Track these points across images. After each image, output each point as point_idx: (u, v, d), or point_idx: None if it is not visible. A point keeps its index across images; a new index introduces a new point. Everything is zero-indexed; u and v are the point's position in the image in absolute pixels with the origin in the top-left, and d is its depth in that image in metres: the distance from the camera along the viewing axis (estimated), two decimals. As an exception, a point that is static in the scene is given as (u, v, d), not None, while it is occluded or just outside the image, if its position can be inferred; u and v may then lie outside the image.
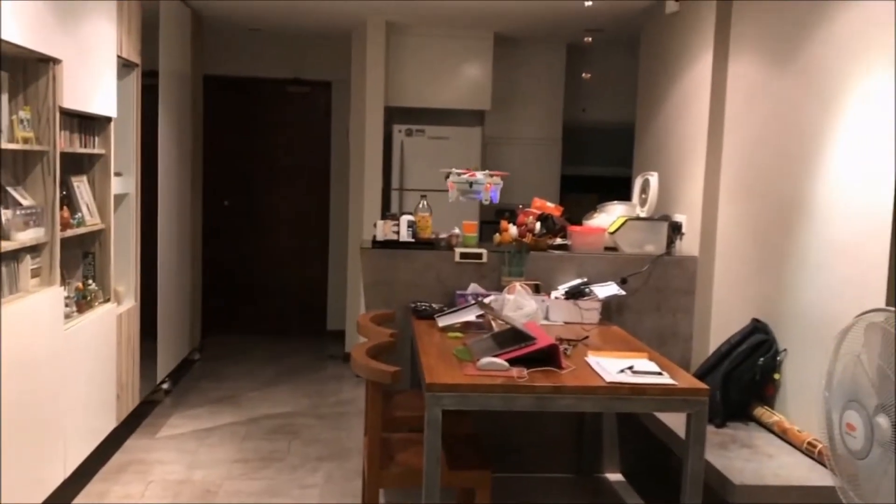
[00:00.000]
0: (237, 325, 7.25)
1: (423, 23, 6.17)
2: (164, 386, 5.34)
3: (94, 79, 3.91)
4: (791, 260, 3.50)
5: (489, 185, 4.27)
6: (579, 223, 4.57)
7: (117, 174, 4.39)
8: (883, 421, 1.90)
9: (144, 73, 4.73)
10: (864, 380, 1.98)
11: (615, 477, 4.29)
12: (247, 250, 7.29)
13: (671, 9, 4.70)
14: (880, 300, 2.82)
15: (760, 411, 3.50)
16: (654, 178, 4.42)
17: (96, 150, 4.13)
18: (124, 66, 4.45)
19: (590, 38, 6.27)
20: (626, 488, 4.17)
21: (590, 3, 4.31)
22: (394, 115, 6.47)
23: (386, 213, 5.83)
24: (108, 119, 4.21)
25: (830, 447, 2.23)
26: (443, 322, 3.61)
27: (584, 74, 6.92)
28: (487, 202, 4.21)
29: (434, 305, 3.88)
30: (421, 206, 4.26)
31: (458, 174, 4.31)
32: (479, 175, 4.30)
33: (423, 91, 6.34)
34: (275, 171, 7.27)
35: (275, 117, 7.24)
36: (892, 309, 1.98)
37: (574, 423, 4.28)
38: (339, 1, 5.47)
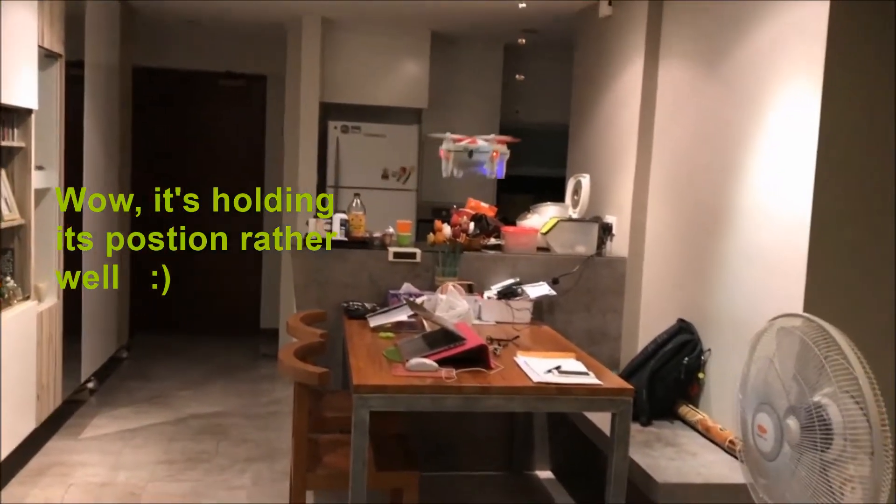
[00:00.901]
0: (168, 322, 7.09)
1: (359, 20, 6.13)
2: (90, 385, 5.20)
3: (11, 69, 3.77)
4: (715, 262, 3.58)
5: (495, 154, 3.80)
6: (514, 223, 4.60)
7: (39, 168, 4.24)
8: (792, 423, 1.96)
9: (71, 65, 4.59)
10: (776, 383, 2.04)
11: (545, 474, 4.34)
12: (178, 246, 7.14)
13: (604, 12, 4.76)
14: (798, 304, 2.91)
15: (685, 410, 3.58)
16: (585, 180, 4.47)
17: (15, 143, 3.99)
18: (46, 56, 4.30)
19: (523, 40, 6.32)
20: (556, 486, 4.22)
21: (523, 4, 4.33)
22: (329, 112, 6.41)
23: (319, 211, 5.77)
24: (29, 111, 4.07)
25: (745, 448, 2.29)
26: (374, 322, 3.59)
27: (517, 76, 6.97)
28: (493, 176, 3.90)
29: (366, 305, 3.87)
30: (354, 204, 4.22)
31: (454, 140, 3.85)
32: (482, 141, 3.82)
33: (359, 88, 6.30)
34: (207, 165, 7.13)
35: (208, 111, 7.10)
36: (803, 314, 2.05)
37: (506, 421, 4.31)
38: (274, -5, 5.39)
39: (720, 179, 3.57)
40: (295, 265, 4.05)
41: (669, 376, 3.62)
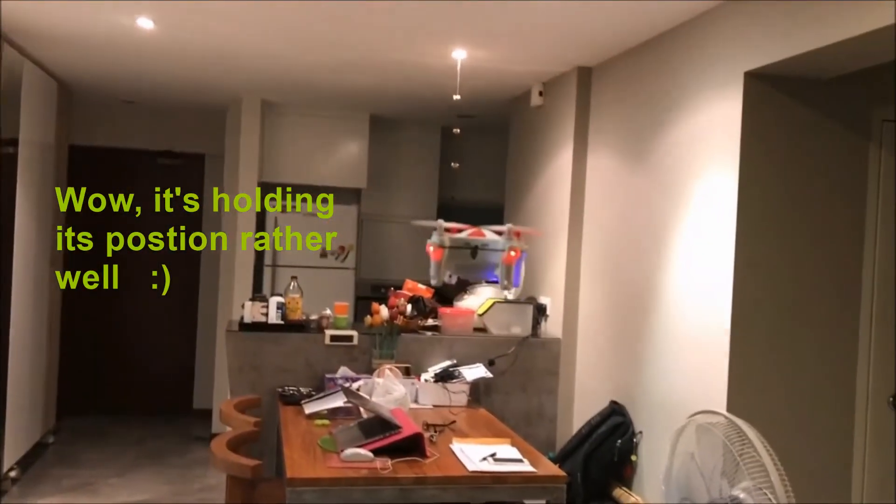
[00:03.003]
0: (97, 404, 6.88)
1: (298, 102, 6.24)
2: (12, 474, 4.99)
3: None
4: (643, 344, 3.69)
5: (514, 254, 2.86)
6: (452, 304, 4.66)
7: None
8: (713, 518, 2.03)
9: (6, 142, 4.55)
10: (696, 477, 2.11)
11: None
12: (111, 327, 6.99)
13: (536, 102, 4.96)
14: (723, 387, 3.01)
15: (619, 492, 3.63)
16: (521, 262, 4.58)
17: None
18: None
19: (458, 130, 6.53)
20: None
21: (458, 97, 4.49)
22: (268, 191, 6.45)
23: (255, 293, 5.74)
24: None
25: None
26: (309, 409, 3.57)
27: (453, 164, 7.15)
28: (508, 289, 2.82)
29: (302, 390, 3.85)
30: (291, 287, 4.23)
31: (449, 231, 2.95)
32: (491, 234, 2.92)
33: (298, 168, 6.37)
34: (142, 244, 7.04)
35: (145, 189, 7.05)
36: (719, 412, 2.13)
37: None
38: (214, 78, 5.47)
39: (646, 264, 3.70)
40: (229, 348, 4.02)
41: (603, 459, 3.68)
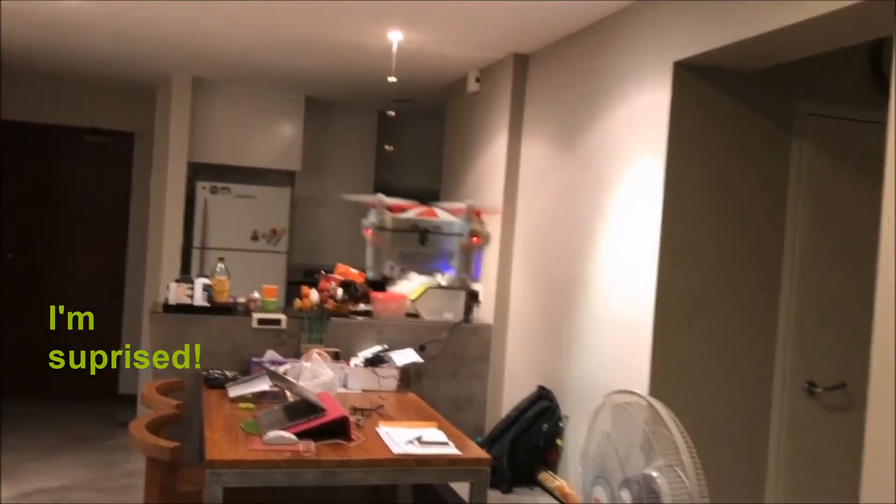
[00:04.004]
0: (18, 387, 6.64)
1: (231, 81, 6.11)
2: (-79, 460, 4.79)
3: None
4: (570, 330, 3.73)
5: (475, 240, 2.33)
6: (385, 289, 4.62)
7: None
8: (625, 495, 2.06)
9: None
10: (612, 456, 2.14)
11: (410, 544, 4.30)
12: (32, 308, 6.75)
13: (472, 88, 4.95)
14: (645, 372, 3.06)
15: (544, 476, 3.66)
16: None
17: None
18: None
19: (393, 112, 6.48)
20: (420, 556, 4.18)
21: (393, 79, 4.45)
22: (198, 172, 6.31)
23: (182, 274, 5.62)
24: None
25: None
26: (234, 392, 3.50)
27: (387, 147, 7.10)
28: (468, 282, 2.25)
29: (227, 373, 3.77)
30: (218, 269, 4.15)
31: (392, 209, 2.24)
32: (444, 214, 2.32)
33: (230, 148, 6.24)
34: (68, 224, 6.83)
35: (71, 167, 6.83)
36: (634, 391, 2.16)
37: (370, 493, 4.26)
38: (144, 54, 5.31)
39: (575, 251, 3.74)
40: (152, 330, 3.92)
41: (530, 443, 3.70)
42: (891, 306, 2.03)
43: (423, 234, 2.31)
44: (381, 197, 2.44)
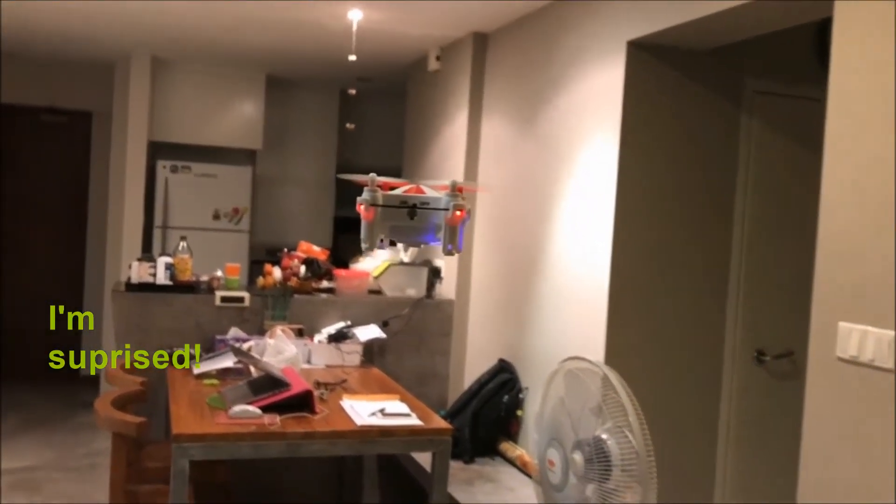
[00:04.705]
0: (-25, 371, 6.58)
1: (191, 59, 6.06)
2: None
3: None
4: (530, 304, 3.82)
5: (459, 214, 2.56)
6: (348, 266, 4.67)
7: None
8: (577, 457, 2.15)
9: None
10: (565, 421, 2.23)
11: (375, 516, 4.39)
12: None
13: (433, 66, 4.99)
14: (601, 343, 3.16)
15: (506, 446, 3.76)
16: (415, 225, 4.62)
17: None
18: None
19: (354, 91, 6.50)
20: (385, 527, 4.28)
21: (353, 57, 4.47)
22: (159, 151, 6.27)
23: (144, 253, 5.60)
24: None
25: (542, 481, 2.47)
26: (198, 369, 3.54)
27: (347, 125, 7.12)
28: (451, 253, 2.65)
29: (192, 351, 3.80)
30: (180, 247, 4.16)
31: (383, 187, 2.54)
32: (430, 191, 2.62)
33: (190, 127, 6.21)
34: (26, 204, 6.74)
35: (28, 147, 6.73)
36: (586, 358, 2.26)
37: (335, 466, 4.34)
38: (101, 30, 5.25)
39: (534, 227, 3.82)
40: (114, 309, 3.93)
41: (491, 415, 3.80)
42: (829, 273, 2.14)
43: (411, 209, 2.55)
44: (374, 176, 2.68)
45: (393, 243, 2.79)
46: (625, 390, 2.04)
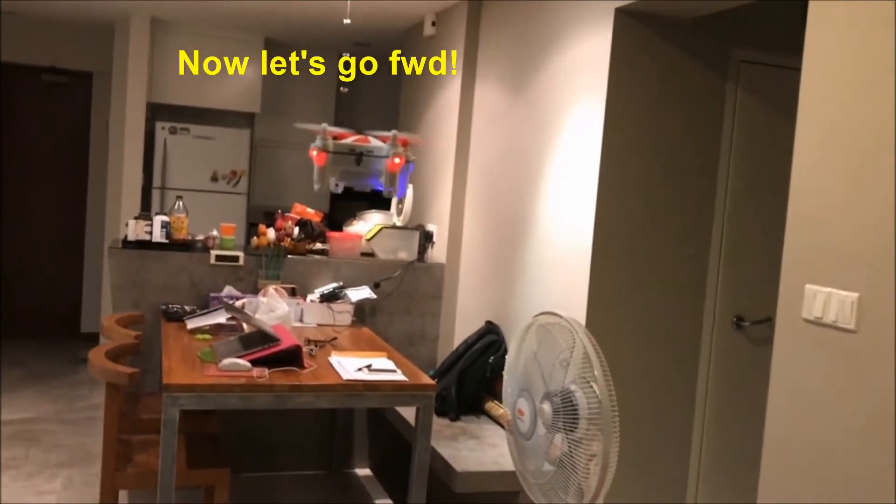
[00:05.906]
0: (-23, 327, 6.71)
1: (190, 20, 6.09)
2: None
3: None
4: (517, 268, 3.90)
5: (399, 161, 2.83)
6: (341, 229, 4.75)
7: None
8: (546, 407, 2.24)
9: None
10: (536, 372, 2.31)
11: (364, 472, 4.52)
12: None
13: (428, 32, 5.02)
14: (583, 308, 3.25)
15: (490, 405, 3.86)
16: (409, 190, 4.69)
17: None
18: None
19: (345, 89, 6.54)
20: (373, 482, 4.40)
21: (348, 21, 4.50)
22: (158, 112, 6.32)
23: (142, 212, 5.67)
24: None
25: (511, 430, 2.57)
26: (192, 324, 3.63)
27: (342, 89, 7.14)
28: (391, 195, 2.96)
29: (186, 308, 3.89)
30: (177, 206, 4.23)
31: (334, 137, 2.81)
32: (375, 140, 2.88)
33: (189, 89, 6.25)
34: (27, 163, 6.82)
35: (29, 106, 6.79)
36: (557, 313, 2.33)
37: (326, 422, 4.45)
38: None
39: (523, 192, 3.89)
40: (111, 265, 4.02)
41: (477, 374, 3.89)
42: (798, 236, 2.21)
43: (358, 156, 2.88)
44: (325, 126, 3.04)
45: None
46: (592, 344, 2.12)
